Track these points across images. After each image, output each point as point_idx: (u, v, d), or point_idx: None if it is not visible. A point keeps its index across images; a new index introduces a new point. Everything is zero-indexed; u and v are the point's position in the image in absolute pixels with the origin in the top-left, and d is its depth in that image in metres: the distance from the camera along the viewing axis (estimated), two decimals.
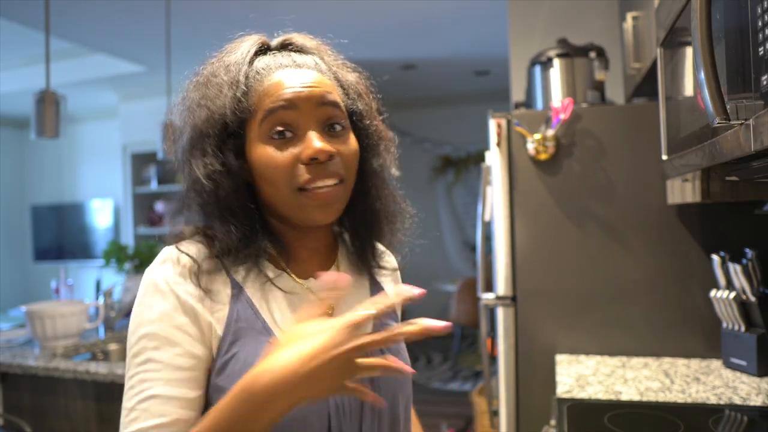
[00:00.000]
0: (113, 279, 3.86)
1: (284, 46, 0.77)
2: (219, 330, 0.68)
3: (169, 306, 0.66)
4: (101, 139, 5.97)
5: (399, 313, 0.89)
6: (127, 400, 0.64)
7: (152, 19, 3.36)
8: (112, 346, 2.34)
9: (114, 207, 5.73)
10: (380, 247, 0.86)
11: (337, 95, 0.73)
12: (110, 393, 1.84)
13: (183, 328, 0.66)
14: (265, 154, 0.69)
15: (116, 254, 2.91)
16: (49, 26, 2.56)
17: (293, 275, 0.75)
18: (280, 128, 0.69)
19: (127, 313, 2.64)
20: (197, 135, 0.71)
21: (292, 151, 0.69)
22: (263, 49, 0.76)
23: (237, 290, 0.70)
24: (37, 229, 6.01)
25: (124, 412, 0.64)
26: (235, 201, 0.70)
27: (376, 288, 0.83)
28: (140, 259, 2.94)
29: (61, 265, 3.36)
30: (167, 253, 0.70)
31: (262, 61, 0.73)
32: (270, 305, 0.72)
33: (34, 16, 3.22)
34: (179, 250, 0.70)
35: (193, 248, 0.71)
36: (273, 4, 3.21)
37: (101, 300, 2.43)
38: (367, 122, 0.78)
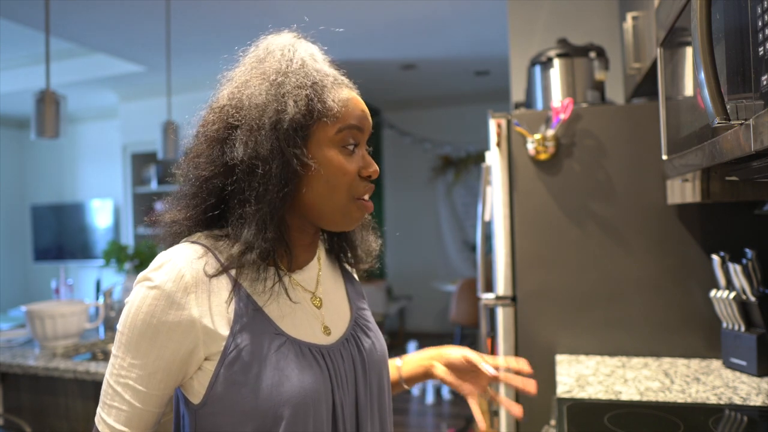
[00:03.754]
0: (113, 279, 3.86)
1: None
2: (223, 330, 0.70)
3: (162, 312, 0.68)
4: (101, 139, 5.97)
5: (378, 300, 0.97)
6: (109, 387, 0.71)
7: (152, 19, 3.36)
8: (112, 346, 2.34)
9: (114, 207, 5.73)
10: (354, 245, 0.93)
11: None
12: None
13: (171, 335, 0.69)
14: (338, 159, 0.75)
15: (116, 254, 2.91)
16: (49, 26, 2.56)
17: (288, 271, 0.79)
18: (353, 143, 0.77)
19: None
20: (291, 123, 0.71)
21: (354, 164, 0.76)
22: None
23: (238, 289, 0.72)
24: (37, 229, 6.01)
25: (107, 391, 0.71)
26: (293, 194, 0.73)
27: (348, 279, 0.91)
28: (140, 259, 2.94)
29: (61, 265, 3.35)
30: (174, 256, 0.71)
31: (328, 68, 0.79)
32: (270, 299, 0.74)
33: (34, 16, 3.22)
34: (180, 254, 0.71)
35: (190, 251, 0.72)
36: (273, 4, 3.21)
37: (101, 300, 2.43)
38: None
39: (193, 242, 0.74)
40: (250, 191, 0.71)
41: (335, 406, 0.74)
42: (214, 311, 0.70)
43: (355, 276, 0.95)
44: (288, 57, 0.75)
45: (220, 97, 0.76)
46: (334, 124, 0.74)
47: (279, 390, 0.69)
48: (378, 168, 0.79)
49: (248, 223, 0.71)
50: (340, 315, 0.84)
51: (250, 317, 0.72)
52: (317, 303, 0.81)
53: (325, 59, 0.81)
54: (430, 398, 4.08)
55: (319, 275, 0.84)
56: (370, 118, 0.80)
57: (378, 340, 0.86)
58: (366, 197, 0.79)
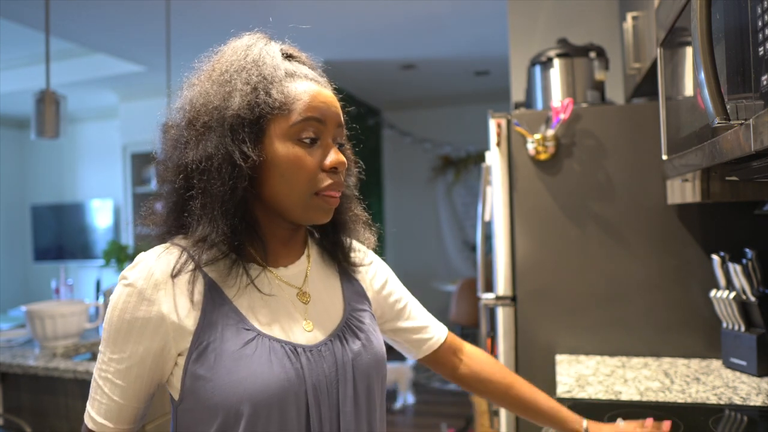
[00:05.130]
0: (113, 279, 3.86)
1: (290, 56, 0.80)
2: (191, 326, 0.71)
3: (133, 308, 0.71)
4: (101, 139, 5.97)
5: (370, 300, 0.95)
6: (94, 380, 0.74)
7: (152, 19, 3.36)
8: None
9: (114, 207, 5.73)
10: (355, 245, 0.92)
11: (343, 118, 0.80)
12: None
13: (143, 330, 0.71)
14: (294, 154, 0.74)
15: (116, 254, 2.91)
16: (49, 26, 2.56)
17: (266, 265, 0.79)
18: (313, 136, 0.75)
19: None
20: (235, 118, 0.72)
21: (315, 157, 0.75)
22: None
23: (210, 286, 0.73)
24: (37, 229, 6.00)
25: (92, 384, 0.74)
26: (248, 190, 0.74)
27: (346, 279, 0.89)
28: None
29: (61, 265, 3.35)
30: (147, 256, 0.74)
31: (286, 64, 0.77)
32: (243, 295, 0.75)
33: (34, 16, 3.22)
34: (153, 253, 0.74)
35: (163, 250, 0.75)
36: (273, 4, 3.21)
37: (101, 300, 2.43)
38: (347, 146, 0.85)
39: (171, 243, 0.76)
40: (198, 188, 0.72)
41: (309, 408, 0.72)
42: (183, 307, 0.72)
43: (358, 276, 0.92)
44: (239, 56, 0.75)
45: (179, 101, 0.79)
46: (288, 117, 0.74)
47: (239, 386, 0.68)
48: (343, 160, 0.76)
49: (199, 219, 0.72)
50: (329, 314, 0.82)
51: (218, 313, 0.72)
52: (304, 299, 0.80)
53: (291, 55, 0.80)
54: (430, 398, 4.08)
55: (308, 271, 0.83)
56: (337, 109, 0.78)
57: (371, 343, 0.82)
58: (333, 190, 0.76)
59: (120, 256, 2.92)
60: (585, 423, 1.00)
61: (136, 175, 5.32)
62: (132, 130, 5.26)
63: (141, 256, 0.74)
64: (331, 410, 0.75)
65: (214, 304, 0.72)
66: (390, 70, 4.90)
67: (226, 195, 0.71)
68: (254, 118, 0.72)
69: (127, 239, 5.27)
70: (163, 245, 0.76)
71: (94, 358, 2.24)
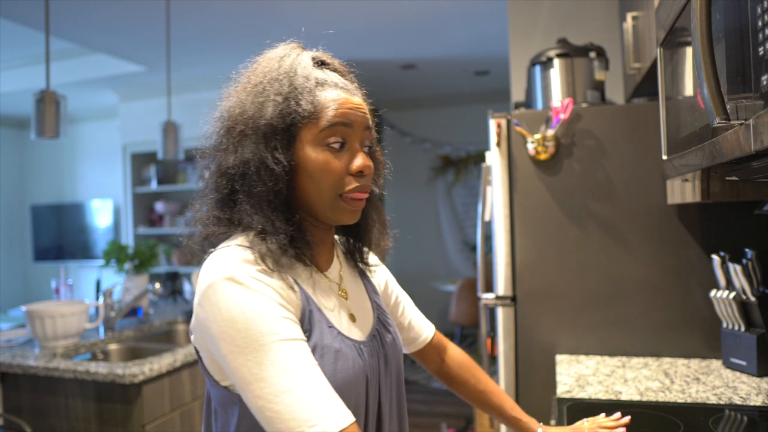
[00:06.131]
0: (113, 279, 3.86)
1: (322, 63, 0.84)
2: (298, 316, 0.75)
3: (270, 298, 0.72)
4: (101, 139, 5.97)
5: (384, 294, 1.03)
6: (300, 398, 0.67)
7: (152, 19, 3.36)
8: (112, 346, 2.34)
9: (114, 207, 5.72)
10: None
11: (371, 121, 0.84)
12: (110, 393, 1.84)
13: (290, 315, 0.72)
14: (322, 158, 0.78)
15: (116, 254, 2.90)
16: (49, 26, 2.56)
17: (317, 267, 0.84)
18: (340, 140, 0.78)
19: (128, 313, 2.64)
20: (268, 127, 0.76)
21: (343, 161, 0.79)
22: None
23: (295, 281, 0.78)
24: (37, 229, 6.00)
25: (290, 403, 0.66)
26: (289, 194, 0.78)
27: (365, 278, 0.97)
28: (140, 259, 2.93)
29: (61, 265, 3.35)
30: (236, 253, 0.74)
31: (317, 73, 0.81)
32: (316, 295, 0.81)
33: (34, 16, 3.22)
34: (240, 250, 0.75)
35: (246, 252, 0.75)
36: (273, 5, 3.21)
37: (101, 300, 2.43)
38: (376, 148, 0.88)
39: (237, 245, 0.77)
40: (242, 191, 0.77)
41: (368, 394, 0.80)
42: (294, 298, 0.75)
43: (370, 275, 0.99)
44: (272, 67, 0.80)
45: (217, 110, 0.83)
46: (317, 124, 0.77)
47: (330, 379, 0.72)
48: (368, 163, 0.80)
49: (251, 216, 0.76)
50: (363, 311, 0.89)
51: (311, 309, 0.77)
52: (344, 294, 0.87)
53: (323, 62, 0.84)
54: (430, 398, 4.08)
55: (341, 271, 0.90)
56: (364, 114, 0.81)
57: (396, 334, 0.92)
58: (359, 192, 0.80)
59: (120, 256, 2.91)
60: (540, 429, 1.08)
61: (136, 175, 5.31)
62: (132, 130, 5.26)
63: (227, 255, 0.73)
64: (376, 395, 0.83)
65: (308, 301, 0.77)
66: (390, 70, 4.90)
67: (270, 195, 0.76)
68: (286, 126, 0.77)
69: (127, 239, 5.27)
70: (233, 247, 0.76)
71: (94, 358, 2.24)
